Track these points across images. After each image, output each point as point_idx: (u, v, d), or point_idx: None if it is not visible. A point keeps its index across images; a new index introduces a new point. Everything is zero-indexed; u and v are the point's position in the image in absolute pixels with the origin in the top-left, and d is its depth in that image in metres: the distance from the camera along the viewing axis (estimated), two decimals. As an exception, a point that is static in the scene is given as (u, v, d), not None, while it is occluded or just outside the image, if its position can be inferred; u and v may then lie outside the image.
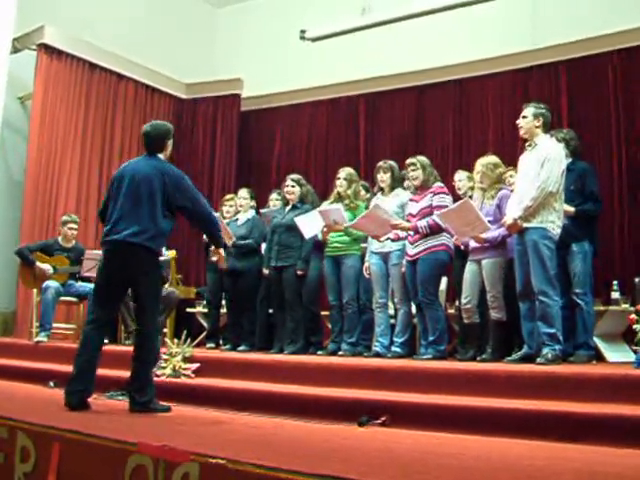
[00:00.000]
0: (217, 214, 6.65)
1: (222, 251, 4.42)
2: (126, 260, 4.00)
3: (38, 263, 6.63)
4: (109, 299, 4.14)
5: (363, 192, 6.17)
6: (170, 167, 4.21)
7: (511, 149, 6.76)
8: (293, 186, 6.24)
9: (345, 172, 6.00)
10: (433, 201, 5.38)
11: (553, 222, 4.60)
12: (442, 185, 5.52)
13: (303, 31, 8.24)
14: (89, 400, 3.99)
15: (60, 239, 6.87)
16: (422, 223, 5.32)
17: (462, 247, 5.35)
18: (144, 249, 3.98)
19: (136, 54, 8.86)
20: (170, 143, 4.30)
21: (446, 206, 5.25)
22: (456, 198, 5.54)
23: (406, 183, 5.79)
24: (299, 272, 6.03)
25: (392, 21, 7.76)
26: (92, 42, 8.43)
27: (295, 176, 6.37)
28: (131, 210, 4.01)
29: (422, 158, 5.57)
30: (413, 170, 5.51)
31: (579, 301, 4.95)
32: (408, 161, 5.58)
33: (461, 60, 7.99)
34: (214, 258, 6.43)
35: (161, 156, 4.23)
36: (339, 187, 5.96)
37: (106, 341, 6.47)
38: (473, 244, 5.17)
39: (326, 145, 9.03)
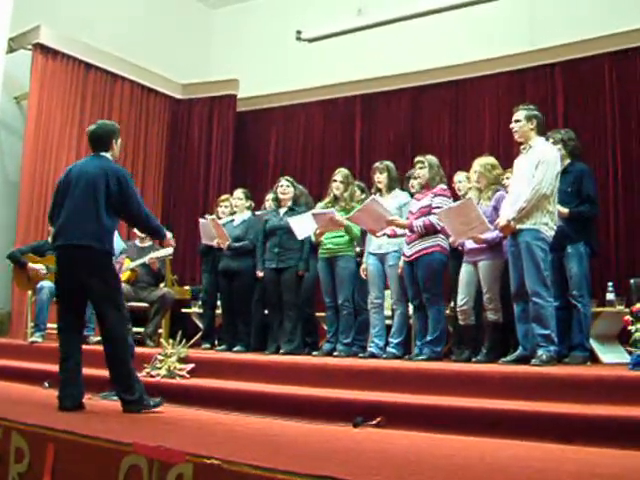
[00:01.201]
0: (212, 216, 6.67)
1: (169, 235, 4.34)
2: (76, 262, 3.96)
3: (30, 264, 6.61)
4: (71, 305, 4.09)
5: (358, 193, 6.17)
6: (116, 168, 4.15)
7: (507, 150, 6.76)
8: (288, 186, 6.25)
9: (342, 174, 5.99)
10: (433, 202, 5.34)
11: (546, 224, 4.61)
12: (445, 187, 5.47)
13: (299, 32, 8.25)
14: (83, 401, 3.98)
15: (50, 239, 6.85)
16: (418, 222, 5.31)
17: (460, 248, 5.34)
18: (92, 250, 3.94)
19: (133, 54, 8.85)
20: (117, 143, 4.23)
21: None
22: (456, 200, 5.50)
23: (410, 182, 5.78)
24: (300, 273, 6.04)
25: (389, 22, 7.78)
26: (88, 42, 8.41)
27: (289, 177, 6.39)
28: (76, 212, 3.97)
29: (431, 157, 5.53)
30: (420, 168, 5.48)
31: (576, 303, 4.95)
32: (416, 159, 5.57)
33: (458, 61, 8.00)
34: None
35: (108, 155, 4.17)
36: (335, 189, 5.96)
37: (99, 338, 6.52)
38: (469, 245, 5.16)
39: (322, 145, 9.03)
